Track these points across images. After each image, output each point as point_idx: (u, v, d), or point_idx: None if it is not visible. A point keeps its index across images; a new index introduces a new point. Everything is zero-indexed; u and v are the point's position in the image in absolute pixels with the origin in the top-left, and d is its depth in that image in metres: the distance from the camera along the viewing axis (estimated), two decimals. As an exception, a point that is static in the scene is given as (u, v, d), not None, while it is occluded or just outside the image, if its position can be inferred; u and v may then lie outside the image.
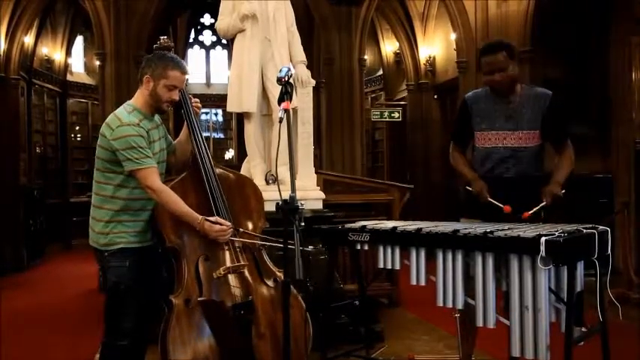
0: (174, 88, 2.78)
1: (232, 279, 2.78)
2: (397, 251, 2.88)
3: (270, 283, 2.89)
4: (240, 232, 2.89)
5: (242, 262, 2.83)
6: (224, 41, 14.00)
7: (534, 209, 2.95)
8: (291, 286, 2.67)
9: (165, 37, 3.17)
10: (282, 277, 2.81)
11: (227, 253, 2.82)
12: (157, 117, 2.92)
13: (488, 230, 2.48)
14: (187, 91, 3.02)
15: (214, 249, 2.80)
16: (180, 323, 2.64)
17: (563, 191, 3.01)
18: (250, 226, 2.99)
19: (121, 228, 2.74)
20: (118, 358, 2.76)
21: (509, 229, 2.52)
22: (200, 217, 2.71)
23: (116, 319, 2.76)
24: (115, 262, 2.74)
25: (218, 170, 2.99)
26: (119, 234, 2.74)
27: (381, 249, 2.92)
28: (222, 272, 2.75)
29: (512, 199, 2.98)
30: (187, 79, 3.00)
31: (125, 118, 2.71)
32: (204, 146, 2.94)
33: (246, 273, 2.83)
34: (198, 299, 2.68)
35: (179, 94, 2.85)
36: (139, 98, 2.82)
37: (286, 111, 2.47)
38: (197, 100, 3.08)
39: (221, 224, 2.73)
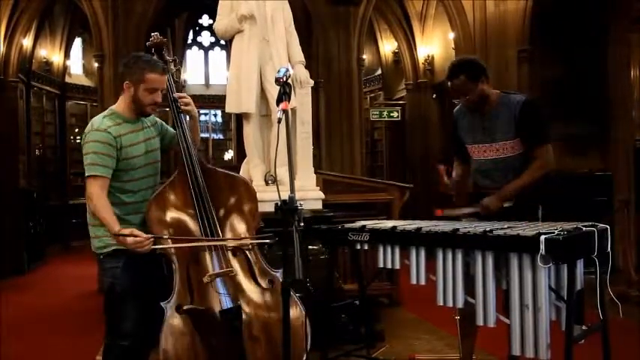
0: (155, 90, 2.79)
1: (222, 283, 2.76)
2: (397, 251, 2.88)
3: (264, 284, 2.84)
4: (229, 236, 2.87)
5: (232, 266, 2.80)
6: (222, 42, 14.00)
7: (461, 212, 3.08)
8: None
9: (157, 33, 3.15)
10: (278, 278, 2.80)
11: (217, 258, 2.79)
12: (149, 119, 2.92)
13: (487, 229, 2.49)
14: (186, 92, 3.01)
15: (204, 254, 2.79)
16: (172, 330, 2.64)
17: (507, 204, 3.01)
18: (243, 225, 2.95)
19: None
20: (119, 358, 2.77)
21: (508, 227, 2.53)
22: (117, 228, 2.65)
23: (115, 320, 2.78)
24: (109, 264, 2.78)
25: (209, 169, 2.97)
26: (110, 236, 2.74)
27: (381, 248, 2.92)
28: (210, 278, 2.74)
29: (505, 209, 3.01)
30: (186, 81, 2.99)
31: (97, 123, 2.77)
32: (190, 148, 2.91)
33: (237, 276, 2.81)
34: (184, 307, 2.66)
35: (162, 95, 2.84)
36: (120, 103, 2.85)
37: (285, 111, 2.46)
38: (184, 95, 3.03)
39: (135, 236, 2.64)
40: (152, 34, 3.15)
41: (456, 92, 3.11)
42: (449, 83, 3.13)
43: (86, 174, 2.71)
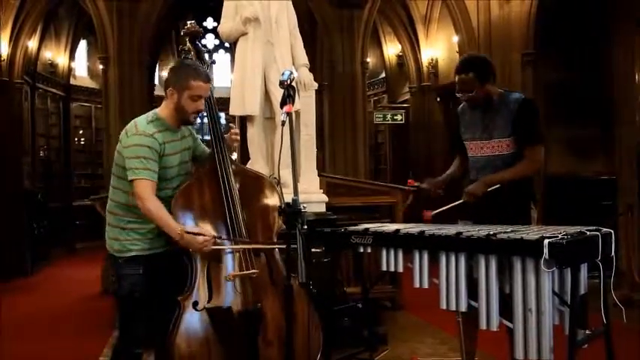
0: (199, 98, 2.75)
1: (243, 284, 2.76)
2: (400, 254, 2.87)
3: (280, 287, 2.82)
4: (251, 240, 2.86)
5: (253, 268, 2.79)
6: (227, 45, 14.04)
7: (444, 207, 3.11)
8: (302, 290, 2.66)
9: (193, 21, 3.15)
10: (286, 281, 2.80)
11: (240, 258, 2.79)
12: (185, 129, 2.89)
13: (491, 233, 2.48)
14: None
15: (227, 252, 2.78)
16: (187, 325, 2.63)
17: (495, 187, 3.01)
18: (266, 227, 2.95)
19: (134, 235, 2.74)
20: None
21: (512, 231, 2.52)
22: (180, 227, 2.63)
23: (131, 327, 2.76)
24: (128, 270, 2.74)
25: (238, 168, 2.97)
26: (132, 241, 2.73)
27: (384, 252, 2.92)
28: (233, 277, 2.74)
29: (495, 206, 3.02)
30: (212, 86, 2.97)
31: (142, 126, 2.71)
32: (224, 149, 2.90)
33: (258, 278, 2.80)
34: (206, 306, 2.66)
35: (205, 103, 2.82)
36: (164, 109, 2.79)
37: (289, 114, 2.47)
38: (236, 131, 3.01)
39: (203, 234, 2.64)
40: (188, 22, 3.13)
41: (462, 87, 3.14)
42: (456, 77, 3.15)
43: (133, 177, 2.64)
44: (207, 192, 2.84)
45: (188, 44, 3.11)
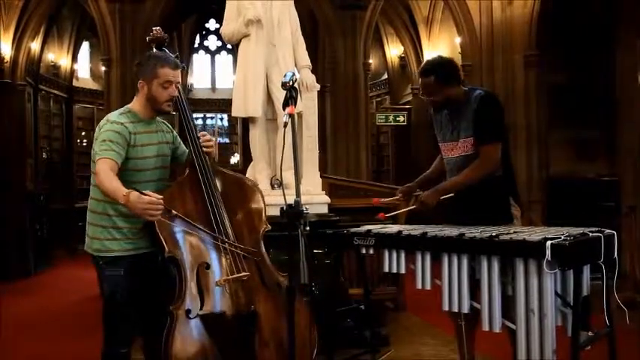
0: (170, 84, 2.76)
1: (234, 288, 2.75)
2: (402, 255, 2.87)
3: (273, 288, 2.83)
4: (241, 246, 2.83)
5: (244, 271, 2.77)
6: (229, 46, 14.06)
7: (397, 212, 3.14)
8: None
9: (158, 27, 3.14)
10: (287, 283, 2.78)
11: (228, 261, 2.77)
12: (162, 125, 2.90)
13: (493, 234, 2.48)
14: (193, 96, 3.00)
15: (215, 257, 2.77)
16: (181, 334, 2.60)
17: (449, 195, 3.00)
18: (251, 229, 2.93)
19: (116, 234, 2.71)
20: None
21: (514, 232, 2.52)
22: (126, 190, 2.54)
23: (115, 328, 2.74)
24: (109, 271, 2.72)
25: (218, 171, 2.95)
26: (113, 240, 2.71)
27: (387, 253, 2.91)
28: (223, 282, 2.73)
29: (469, 207, 3.01)
30: (193, 85, 2.96)
31: (112, 117, 2.76)
32: (201, 149, 2.87)
33: (249, 281, 2.78)
34: (199, 313, 2.64)
35: (177, 90, 2.81)
36: (135, 102, 2.83)
37: (291, 115, 2.47)
38: (208, 137, 2.93)
39: (151, 196, 2.53)
40: (153, 28, 3.13)
41: (424, 91, 3.14)
42: (419, 80, 3.18)
43: (97, 157, 2.64)
44: (189, 198, 2.81)
45: (155, 50, 3.10)
